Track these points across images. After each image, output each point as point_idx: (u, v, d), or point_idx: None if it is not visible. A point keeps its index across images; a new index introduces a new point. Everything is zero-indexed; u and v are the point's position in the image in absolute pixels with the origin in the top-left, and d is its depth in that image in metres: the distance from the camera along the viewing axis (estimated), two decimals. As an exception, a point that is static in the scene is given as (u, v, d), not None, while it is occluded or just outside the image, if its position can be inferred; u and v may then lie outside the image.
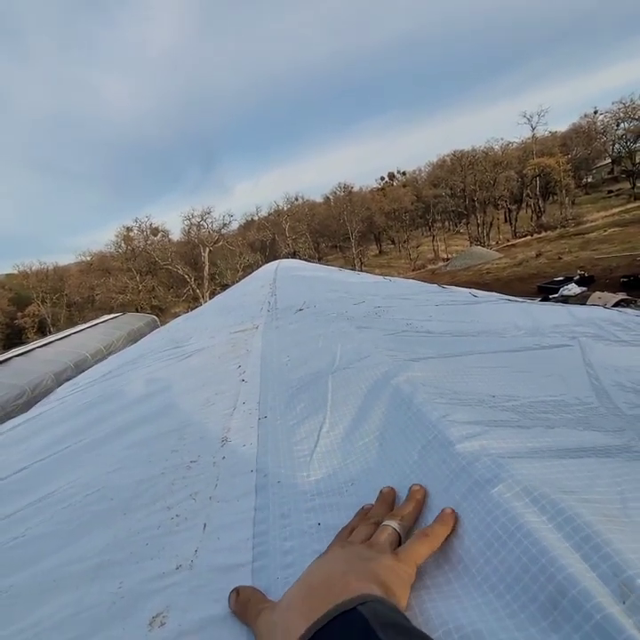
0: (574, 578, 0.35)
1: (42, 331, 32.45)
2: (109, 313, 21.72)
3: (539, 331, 1.64)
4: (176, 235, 36.66)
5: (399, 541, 0.52)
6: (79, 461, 1.14)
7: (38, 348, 13.09)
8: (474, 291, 3.18)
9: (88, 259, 35.38)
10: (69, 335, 14.77)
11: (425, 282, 4.26)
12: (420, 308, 2.17)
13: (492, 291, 3.04)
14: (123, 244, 33.87)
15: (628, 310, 1.89)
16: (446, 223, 42.50)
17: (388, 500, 0.61)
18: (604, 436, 0.61)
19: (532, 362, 1.10)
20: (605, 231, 20.94)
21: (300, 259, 11.97)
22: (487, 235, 35.31)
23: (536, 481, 0.46)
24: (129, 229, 34.01)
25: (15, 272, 35.50)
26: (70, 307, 34.91)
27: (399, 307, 2.34)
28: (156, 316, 20.08)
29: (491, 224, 36.17)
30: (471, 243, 34.29)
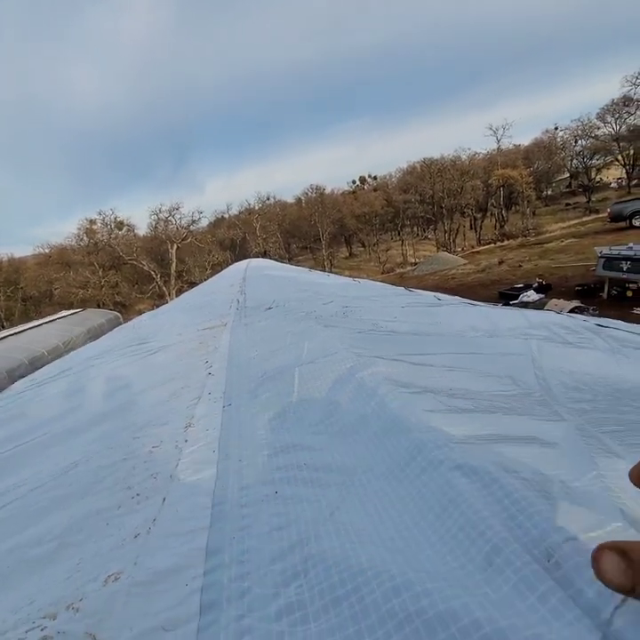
0: (510, 540, 0.40)
1: (-6, 326, 30.67)
2: (69, 308, 20.82)
3: (495, 332, 1.74)
4: (142, 230, 35.62)
5: None
6: (41, 455, 1.11)
7: (-11, 343, 12.38)
8: (438, 294, 3.30)
9: (47, 251, 33.76)
10: (24, 330, 14.02)
11: (393, 285, 4.36)
12: (386, 310, 2.24)
13: (456, 295, 3.16)
14: (85, 237, 32.54)
15: (578, 316, 2.02)
16: (415, 228, 43.47)
17: None
18: (549, 426, 0.68)
19: (487, 361, 1.17)
20: (563, 242, 22.04)
21: (271, 258, 11.92)
22: (453, 241, 36.38)
23: (483, 462, 0.51)
24: (92, 222, 32.73)
25: (-35, 263, 33.45)
26: (26, 301, 33.18)
27: (366, 307, 2.40)
28: (120, 312, 19.41)
29: (457, 231, 37.31)
30: (438, 248, 35.22)
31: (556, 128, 40.57)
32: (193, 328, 2.58)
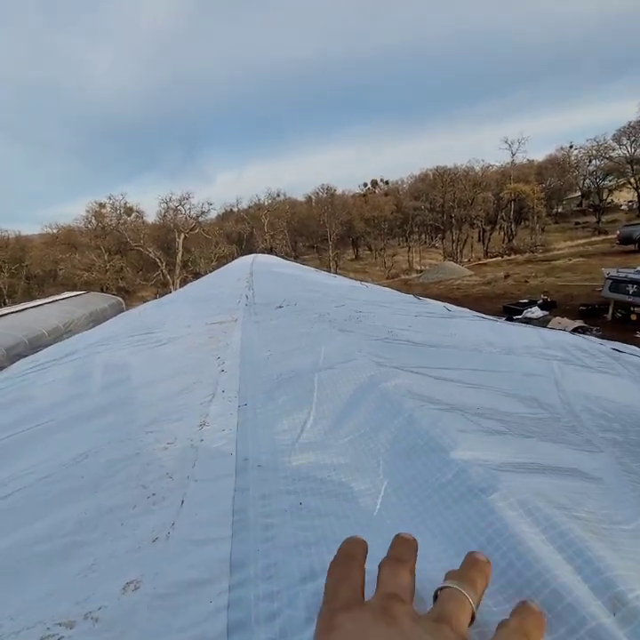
0: (568, 587, 0.37)
1: (-5, 301, 30.68)
2: (72, 290, 20.82)
3: (512, 349, 1.71)
4: (151, 217, 35.59)
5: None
6: (47, 442, 1.09)
7: (-11, 319, 12.37)
8: (447, 304, 3.28)
9: (54, 231, 33.75)
10: (26, 309, 14.04)
11: (398, 291, 4.35)
12: (400, 317, 2.21)
13: (461, 306, 3.15)
14: (93, 220, 32.54)
15: (592, 337, 2.00)
16: (423, 236, 43.45)
17: (414, 548, 0.43)
18: (587, 457, 0.65)
19: (509, 380, 1.14)
20: (570, 260, 22.02)
21: (277, 255, 11.90)
22: (460, 251, 36.36)
23: (529, 494, 0.49)
24: (102, 205, 32.72)
25: (-29, 237, 33.47)
26: (30, 279, 33.18)
27: (378, 313, 2.37)
28: (122, 298, 19.39)
29: (465, 241, 37.28)
30: (445, 257, 35.20)
31: (571, 146, 40.54)
32: (201, 321, 2.55)
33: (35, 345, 11.25)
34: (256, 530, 0.60)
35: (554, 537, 0.43)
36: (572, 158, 40.65)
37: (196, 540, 0.59)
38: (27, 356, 4.36)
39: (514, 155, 38.75)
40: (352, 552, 0.41)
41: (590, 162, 38.38)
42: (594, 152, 37.36)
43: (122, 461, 0.88)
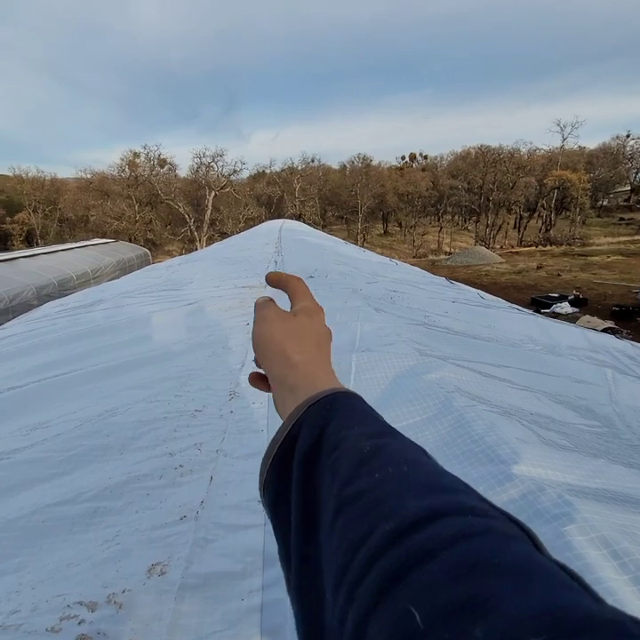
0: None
1: (29, 241, 31.40)
2: (102, 237, 21.12)
3: (555, 349, 1.61)
4: (183, 171, 35.33)
5: None
6: (74, 393, 1.07)
7: (22, 257, 12.69)
8: (481, 292, 3.15)
9: (88, 176, 33.94)
10: (57, 251, 14.34)
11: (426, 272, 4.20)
12: (435, 302, 2.11)
13: (487, 294, 3.02)
14: (127, 169, 32.52)
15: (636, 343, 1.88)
16: (456, 217, 42.03)
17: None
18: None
19: (558, 385, 1.06)
20: (609, 257, 21.05)
21: (305, 223, 11.71)
22: (493, 237, 35.13)
23: (614, 532, 0.42)
24: (136, 155, 32.59)
25: (10, 175, 33.91)
26: (62, 222, 33.73)
27: (412, 295, 2.28)
28: (149, 250, 19.56)
29: (500, 227, 35.92)
30: (476, 242, 34.10)
31: (628, 135, 37.94)
32: (230, 283, 2.51)
33: (63, 287, 11.55)
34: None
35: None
36: (628, 149, 38.15)
37: (226, 524, 0.55)
38: (55, 297, 4.44)
39: (564, 139, 36.56)
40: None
41: (647, 154, 35.97)
42: (652, 144, 34.93)
43: (149, 424, 0.85)
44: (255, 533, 0.54)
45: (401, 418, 0.79)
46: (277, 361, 0.42)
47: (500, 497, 0.52)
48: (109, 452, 0.76)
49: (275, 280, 0.49)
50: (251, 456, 0.70)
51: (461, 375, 0.92)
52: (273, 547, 0.52)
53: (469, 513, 0.23)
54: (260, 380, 0.47)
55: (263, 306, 0.46)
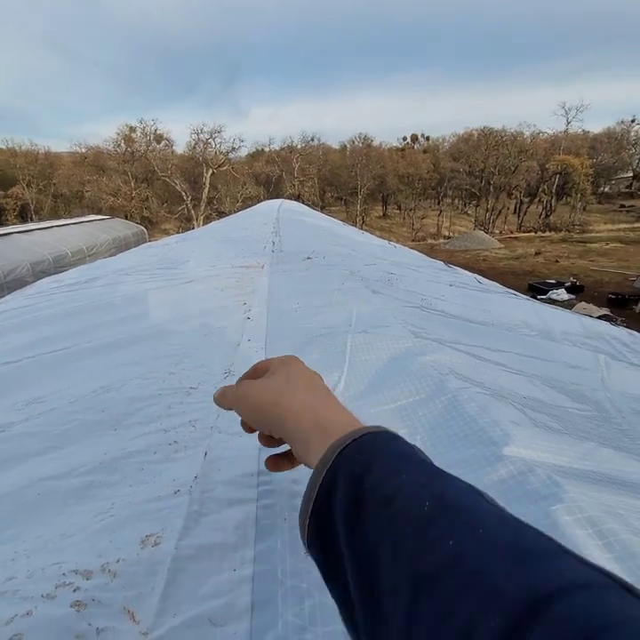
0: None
1: (23, 216, 30.91)
2: (97, 214, 20.81)
3: (550, 335, 1.62)
4: (180, 147, 34.64)
5: None
6: (68, 368, 1.07)
7: (17, 233, 12.52)
8: (478, 276, 3.14)
9: (83, 151, 33.21)
10: (51, 227, 14.15)
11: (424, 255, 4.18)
12: (432, 285, 2.11)
13: (485, 279, 3.02)
14: (122, 144, 31.84)
15: (636, 332, 1.89)
16: (456, 201, 41.62)
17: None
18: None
19: (553, 370, 1.07)
20: (607, 245, 21.02)
21: (304, 203, 11.57)
22: (493, 222, 34.89)
23: (601, 513, 0.43)
24: (132, 129, 31.84)
25: (3, 148, 33.14)
26: (57, 197, 33.14)
27: (410, 277, 2.27)
28: (145, 228, 19.32)
29: (500, 212, 35.65)
30: (476, 226, 33.90)
31: (633, 120, 37.40)
32: (227, 262, 2.49)
33: (58, 264, 11.44)
34: (282, 496, 0.57)
35: (632, 568, 0.38)
36: (632, 134, 37.68)
37: (219, 498, 0.56)
38: (50, 273, 4.41)
39: (568, 123, 36.02)
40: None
41: (651, 141, 35.54)
42: (657, 130, 34.46)
43: (143, 400, 0.85)
44: (248, 507, 0.55)
45: (395, 398, 0.79)
46: (279, 412, 0.41)
47: (491, 477, 0.53)
48: (103, 428, 0.76)
49: (221, 400, 0.50)
50: (244, 433, 0.71)
51: (456, 358, 0.92)
52: (265, 520, 0.53)
53: (583, 589, 0.19)
54: (282, 459, 0.47)
55: (239, 386, 0.48)
